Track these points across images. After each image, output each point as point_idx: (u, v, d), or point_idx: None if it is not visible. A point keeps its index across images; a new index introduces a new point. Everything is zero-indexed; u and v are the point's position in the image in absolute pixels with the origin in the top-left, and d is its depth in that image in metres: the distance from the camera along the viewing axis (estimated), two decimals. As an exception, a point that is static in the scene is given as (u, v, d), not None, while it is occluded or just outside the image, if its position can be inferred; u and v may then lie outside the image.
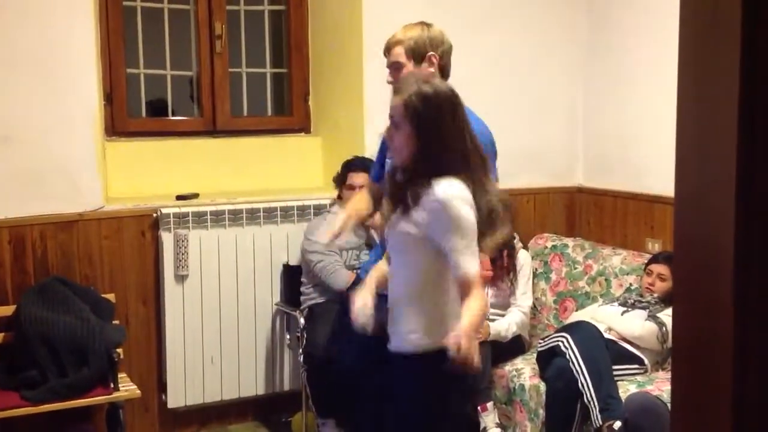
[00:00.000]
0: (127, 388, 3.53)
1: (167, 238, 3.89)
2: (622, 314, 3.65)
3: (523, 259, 4.13)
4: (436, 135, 2.36)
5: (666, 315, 3.56)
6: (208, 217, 3.97)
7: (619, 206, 4.46)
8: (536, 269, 4.38)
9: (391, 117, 2.41)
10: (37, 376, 3.37)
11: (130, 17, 4.17)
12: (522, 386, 3.66)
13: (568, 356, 3.38)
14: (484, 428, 3.67)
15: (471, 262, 2.30)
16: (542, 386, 3.54)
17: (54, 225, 3.71)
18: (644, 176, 4.24)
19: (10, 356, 3.48)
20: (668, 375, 3.38)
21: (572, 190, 4.76)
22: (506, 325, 3.87)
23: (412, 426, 2.49)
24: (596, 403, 3.26)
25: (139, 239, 3.92)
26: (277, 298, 4.15)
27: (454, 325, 2.31)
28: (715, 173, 0.98)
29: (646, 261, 3.87)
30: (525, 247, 4.30)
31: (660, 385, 3.33)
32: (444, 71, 2.88)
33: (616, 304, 3.76)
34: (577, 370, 3.34)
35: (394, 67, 2.87)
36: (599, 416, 3.24)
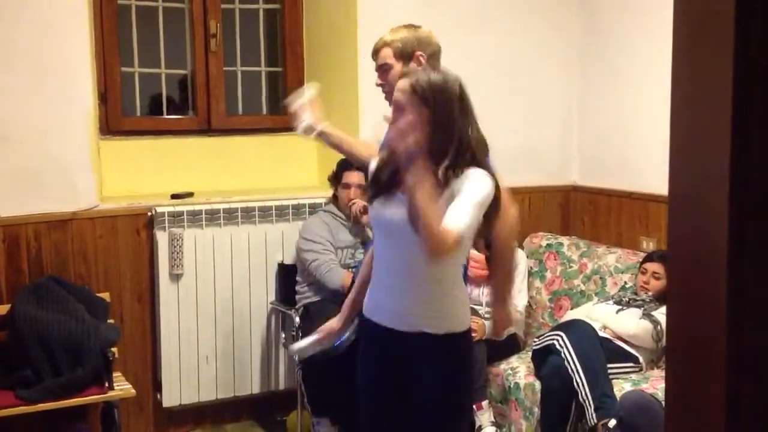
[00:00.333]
0: (121, 387, 3.53)
1: (162, 237, 3.89)
2: (617, 312, 3.65)
3: (518, 257, 4.13)
4: (444, 119, 2.32)
5: (661, 313, 3.57)
6: (203, 215, 3.97)
7: (614, 205, 4.47)
8: (531, 268, 4.38)
9: (397, 100, 2.37)
10: (32, 376, 3.37)
11: (125, 16, 4.17)
12: (517, 385, 3.67)
13: (563, 355, 3.39)
14: (479, 427, 3.67)
15: (459, 218, 2.22)
16: (537, 385, 3.54)
17: (48, 224, 3.71)
18: (639, 175, 4.25)
19: (4, 356, 3.47)
20: (663, 373, 3.38)
21: (567, 189, 4.77)
22: (501, 323, 3.87)
23: (440, 413, 2.49)
24: (591, 402, 3.27)
25: (133, 238, 3.92)
26: (272, 296, 4.15)
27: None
28: (709, 172, 0.98)
29: (640, 259, 3.88)
30: (520, 245, 4.30)
31: (655, 384, 3.34)
32: None
33: (611, 302, 3.76)
34: (572, 369, 3.34)
35: (383, 69, 2.88)
36: (594, 415, 3.24)
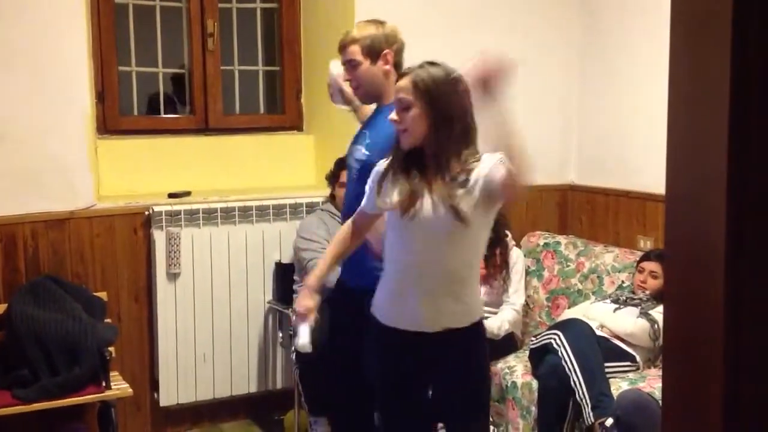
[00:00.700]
0: (119, 386, 3.53)
1: (159, 236, 3.89)
2: (614, 311, 3.65)
3: (516, 256, 4.13)
4: (447, 112, 2.36)
5: (658, 312, 3.57)
6: (200, 215, 3.96)
7: (611, 204, 4.47)
8: (529, 267, 4.39)
9: (400, 98, 2.39)
10: (29, 375, 3.36)
11: (122, 15, 4.16)
12: (514, 384, 3.67)
13: (560, 354, 3.39)
14: (477, 426, 3.68)
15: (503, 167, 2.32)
16: (534, 384, 3.54)
17: (45, 223, 3.70)
18: (636, 174, 4.25)
19: (1, 355, 3.47)
20: (660, 372, 3.38)
21: (564, 188, 4.77)
22: (498, 322, 3.88)
23: (480, 397, 2.63)
24: (588, 401, 3.27)
25: (131, 237, 3.91)
26: (269, 296, 4.15)
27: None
28: (706, 171, 0.98)
29: (638, 258, 3.88)
30: (517, 244, 4.30)
31: (652, 382, 3.34)
32: (397, 68, 2.94)
33: (608, 301, 3.77)
34: (569, 368, 3.34)
35: (350, 65, 2.93)
36: (591, 413, 3.24)
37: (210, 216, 3.99)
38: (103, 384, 3.44)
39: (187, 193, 4.07)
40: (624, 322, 3.58)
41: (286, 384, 4.18)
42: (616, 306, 3.68)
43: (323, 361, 3.21)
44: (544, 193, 4.73)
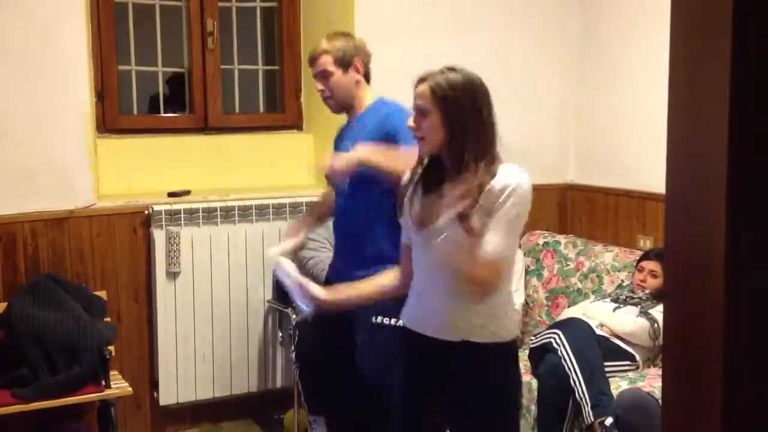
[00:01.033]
0: (118, 385, 3.53)
1: (159, 236, 3.89)
2: (614, 310, 3.66)
3: (515, 255, 4.13)
4: (466, 121, 2.29)
5: (657, 311, 3.57)
6: (200, 214, 3.96)
7: (611, 203, 4.47)
8: (528, 266, 4.39)
9: (418, 105, 2.32)
10: (29, 374, 3.36)
11: (122, 14, 4.16)
12: (514, 383, 3.67)
13: (560, 353, 3.39)
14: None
15: (496, 244, 2.20)
16: (534, 383, 3.54)
17: (45, 222, 3.70)
18: (636, 173, 4.25)
19: (1, 354, 3.46)
20: (660, 371, 3.39)
21: (564, 187, 4.77)
22: (498, 321, 3.88)
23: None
24: (588, 400, 3.27)
25: (130, 236, 3.91)
26: (269, 295, 4.15)
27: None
28: (706, 170, 0.98)
29: (637, 258, 3.88)
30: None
31: (651, 382, 3.34)
32: (367, 77, 3.05)
33: (608, 300, 3.77)
34: (568, 367, 3.34)
35: (322, 76, 3.02)
36: (591, 412, 3.25)
37: (210, 215, 3.99)
38: (103, 383, 3.44)
39: (187, 192, 4.06)
40: (624, 322, 3.58)
41: (285, 383, 4.18)
42: (616, 305, 3.68)
43: (322, 360, 3.22)
44: (543, 192, 4.72)
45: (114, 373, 3.57)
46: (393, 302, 2.74)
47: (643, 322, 3.56)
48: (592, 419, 3.24)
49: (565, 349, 3.38)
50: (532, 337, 3.72)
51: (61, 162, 3.72)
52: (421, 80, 2.33)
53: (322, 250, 3.85)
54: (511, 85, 4.55)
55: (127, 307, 3.93)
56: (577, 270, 4.23)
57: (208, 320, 4.02)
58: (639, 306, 3.63)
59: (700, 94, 0.99)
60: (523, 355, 3.76)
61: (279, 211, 4.13)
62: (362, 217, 2.97)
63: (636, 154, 4.25)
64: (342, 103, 3.07)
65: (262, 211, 4.09)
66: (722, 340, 0.96)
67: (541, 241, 4.48)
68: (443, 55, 4.49)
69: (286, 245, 3.06)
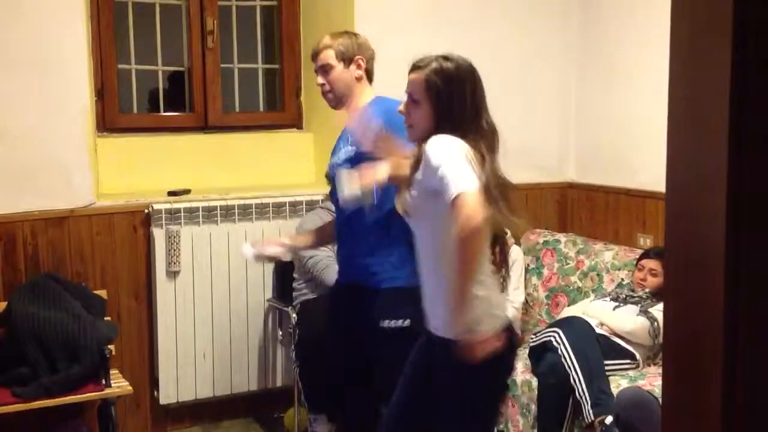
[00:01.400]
0: (118, 384, 3.53)
1: (159, 234, 3.89)
2: (613, 309, 3.66)
3: (516, 254, 4.13)
4: (454, 112, 2.31)
5: (657, 310, 3.57)
6: (200, 213, 3.96)
7: (611, 202, 4.47)
8: (528, 265, 4.39)
9: (410, 93, 2.36)
10: (29, 373, 3.36)
11: (122, 12, 4.16)
12: (514, 381, 3.67)
13: (560, 351, 3.39)
14: (477, 423, 3.68)
15: (456, 182, 2.11)
16: (534, 381, 3.54)
17: (45, 221, 3.70)
18: (636, 172, 4.25)
19: (1, 353, 3.46)
20: (660, 370, 3.39)
21: (564, 186, 4.77)
22: (498, 320, 3.88)
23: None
24: (588, 398, 3.27)
25: (130, 235, 3.91)
26: (269, 294, 4.15)
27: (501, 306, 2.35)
28: (706, 169, 0.98)
29: (637, 256, 3.88)
30: (517, 242, 4.31)
31: (651, 380, 3.34)
32: (369, 75, 3.06)
33: (608, 299, 3.77)
34: (568, 366, 3.35)
35: (324, 70, 3.03)
36: (591, 411, 3.25)
37: (210, 214, 3.99)
38: (103, 382, 3.44)
39: (187, 191, 4.06)
40: (623, 320, 3.58)
41: (286, 382, 4.18)
42: (616, 304, 3.68)
43: (322, 358, 3.22)
44: (543, 190, 4.74)
45: (114, 372, 3.57)
46: (398, 303, 2.78)
47: (643, 321, 3.56)
48: (592, 418, 3.24)
49: (565, 348, 3.38)
50: (532, 336, 3.72)
51: (61, 161, 3.72)
52: (416, 68, 2.37)
53: (322, 249, 3.85)
54: (511, 84, 4.56)
55: (127, 306, 3.93)
56: (577, 269, 4.23)
57: (208, 319, 4.02)
58: (639, 305, 3.63)
59: (701, 92, 0.99)
60: (523, 354, 3.76)
61: (279, 209, 4.13)
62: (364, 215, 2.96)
63: (636, 152, 4.25)
64: (340, 99, 3.06)
65: (262, 210, 4.09)
66: (722, 339, 0.96)
67: (541, 240, 4.48)
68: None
69: (264, 250, 3.03)
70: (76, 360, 3.39)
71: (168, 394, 3.98)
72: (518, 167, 4.55)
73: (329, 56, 3.02)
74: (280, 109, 4.60)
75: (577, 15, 4.64)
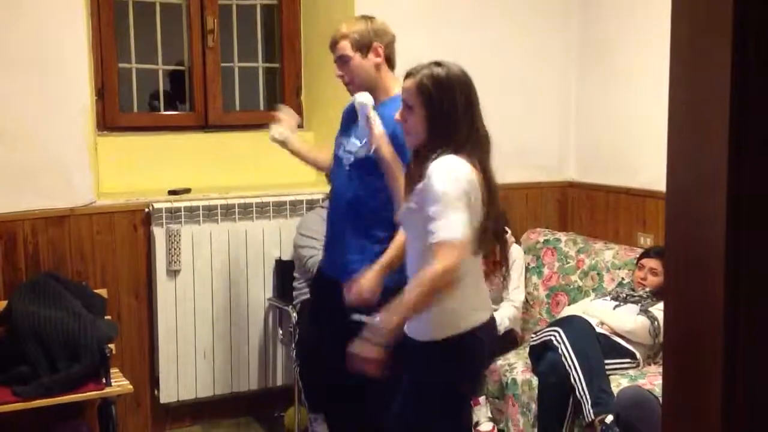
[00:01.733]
0: (119, 383, 3.53)
1: (159, 233, 3.89)
2: (614, 308, 3.66)
3: (516, 253, 4.13)
4: (447, 117, 2.36)
5: (658, 309, 3.57)
6: (200, 212, 3.96)
7: (611, 201, 4.47)
8: (528, 264, 4.39)
9: (404, 100, 2.42)
10: (29, 372, 3.36)
11: (122, 12, 4.16)
12: (514, 380, 3.67)
13: (560, 351, 3.39)
14: (477, 422, 3.68)
15: (435, 228, 2.22)
16: (534, 380, 3.54)
17: (45, 220, 3.70)
18: (636, 171, 4.25)
19: (1, 352, 3.46)
20: (660, 369, 3.39)
21: (564, 185, 4.77)
22: (498, 319, 3.87)
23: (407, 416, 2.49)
24: (588, 397, 3.27)
25: (131, 234, 3.91)
26: (269, 293, 4.15)
27: (466, 314, 2.37)
28: (706, 168, 0.98)
29: (638, 255, 3.88)
30: (517, 241, 4.31)
31: (652, 379, 3.34)
32: (390, 61, 2.99)
33: (608, 298, 3.77)
34: (569, 365, 3.35)
35: (342, 61, 2.98)
36: (591, 410, 3.25)
37: (210, 213, 3.99)
38: (104, 381, 3.44)
39: (187, 190, 4.06)
40: (624, 320, 3.58)
41: (286, 381, 4.18)
42: (616, 303, 3.68)
43: (321, 357, 3.23)
44: (543, 189, 4.74)
45: (114, 371, 3.57)
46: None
47: (644, 320, 3.56)
48: (593, 417, 3.24)
49: (566, 347, 3.38)
50: (533, 335, 3.73)
51: (62, 160, 3.72)
52: (409, 75, 2.42)
53: (322, 248, 3.85)
54: (512, 84, 4.56)
55: (127, 305, 3.93)
56: (577, 268, 4.23)
57: (209, 318, 4.02)
58: (639, 304, 3.63)
59: (701, 92, 0.99)
60: (524, 353, 3.77)
61: (279, 208, 4.13)
62: (361, 200, 2.97)
63: (636, 152, 4.25)
64: (363, 88, 2.98)
65: (262, 209, 4.09)
66: (722, 338, 0.96)
67: (541, 239, 4.48)
68: (444, 53, 4.47)
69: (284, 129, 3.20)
70: (76, 359, 3.39)
71: (168, 393, 3.98)
72: (519, 166, 4.60)
73: (345, 47, 2.96)
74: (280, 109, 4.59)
75: (578, 15, 4.63)
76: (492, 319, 2.57)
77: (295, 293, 3.97)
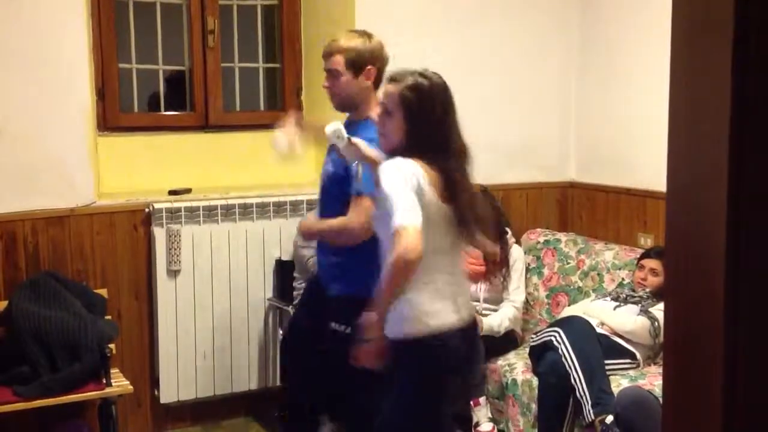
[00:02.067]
0: (119, 383, 3.53)
1: (159, 233, 3.89)
2: (614, 309, 3.66)
3: (516, 254, 4.13)
4: (425, 127, 2.42)
5: (658, 310, 3.57)
6: (201, 212, 3.96)
7: (612, 201, 4.47)
8: (529, 264, 4.39)
9: (384, 104, 2.47)
10: (29, 372, 3.36)
11: (122, 12, 4.16)
12: (514, 381, 3.67)
13: (560, 351, 3.39)
14: (477, 423, 3.68)
15: (396, 218, 2.26)
16: (535, 381, 3.54)
17: (46, 220, 3.70)
18: (636, 171, 4.25)
19: (1, 352, 3.46)
20: (660, 369, 3.39)
21: (565, 185, 4.77)
22: (499, 320, 3.88)
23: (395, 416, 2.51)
24: (588, 398, 3.27)
25: (131, 234, 3.91)
26: (269, 293, 4.15)
27: (435, 314, 2.41)
28: (707, 169, 0.98)
29: (638, 256, 3.88)
30: (518, 242, 4.31)
31: (652, 380, 3.34)
32: (377, 83, 2.99)
33: (608, 298, 3.77)
34: (569, 365, 3.35)
35: (332, 75, 3.00)
36: (591, 410, 3.25)
37: (210, 213, 3.99)
38: (104, 381, 3.44)
39: (188, 191, 4.06)
40: (624, 320, 3.58)
41: (286, 381, 4.17)
42: (617, 303, 3.68)
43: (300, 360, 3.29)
44: (544, 190, 4.74)
45: (115, 371, 3.57)
46: (352, 308, 2.85)
47: (644, 321, 3.56)
48: (593, 417, 3.24)
49: (566, 347, 3.38)
50: (533, 335, 3.73)
51: (62, 160, 3.72)
52: (393, 80, 2.47)
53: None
54: (512, 84, 4.56)
55: (127, 305, 3.93)
56: (577, 268, 4.23)
57: (209, 318, 4.02)
58: (639, 304, 3.63)
59: (701, 92, 0.99)
60: (524, 353, 3.77)
61: (280, 209, 4.13)
62: (337, 211, 3.02)
63: (637, 152, 4.25)
64: (344, 105, 3.07)
65: (263, 209, 4.09)
66: (723, 339, 0.96)
67: (541, 239, 4.48)
68: (444, 53, 4.49)
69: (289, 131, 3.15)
70: (76, 359, 3.39)
71: (168, 392, 3.98)
72: (519, 166, 4.61)
73: (339, 62, 2.97)
74: (280, 109, 4.59)
75: (578, 15, 4.63)
76: (471, 323, 2.57)
77: (295, 293, 3.97)
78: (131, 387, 3.56)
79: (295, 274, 3.99)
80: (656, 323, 3.54)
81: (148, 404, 4.04)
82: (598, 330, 3.56)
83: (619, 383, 3.38)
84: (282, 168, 4.48)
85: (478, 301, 4.00)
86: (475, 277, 3.99)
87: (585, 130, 4.67)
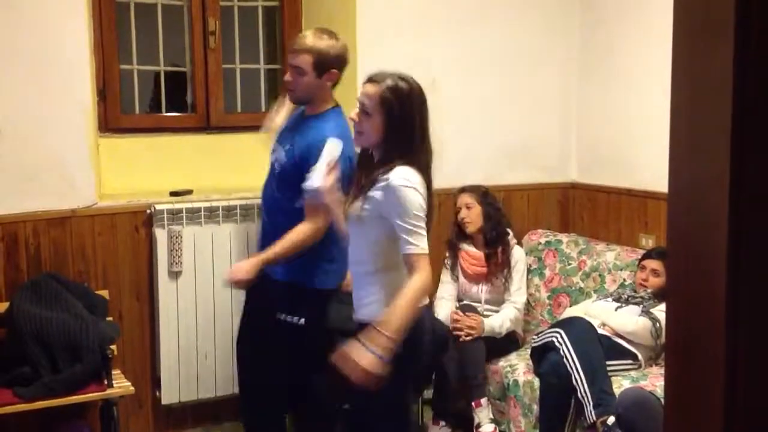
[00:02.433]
0: (120, 384, 3.53)
1: (161, 235, 3.89)
2: (615, 310, 3.65)
3: (517, 255, 4.13)
4: (403, 130, 2.50)
5: (660, 310, 3.57)
6: (202, 213, 3.96)
7: (613, 202, 4.47)
8: (530, 265, 4.39)
9: (363, 103, 2.53)
10: (30, 373, 3.36)
11: (124, 13, 4.16)
12: (516, 382, 3.67)
13: (562, 352, 3.39)
14: (478, 424, 3.68)
15: (415, 241, 2.41)
16: (536, 382, 3.54)
17: (47, 221, 3.70)
18: (638, 172, 4.25)
19: (2, 353, 3.46)
20: (662, 370, 3.38)
21: (566, 186, 4.77)
22: (500, 321, 3.88)
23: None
24: (590, 399, 3.27)
25: (132, 235, 3.91)
26: (271, 294, 4.15)
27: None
28: (708, 169, 0.98)
29: (639, 257, 3.88)
30: (519, 243, 4.30)
31: (654, 381, 3.34)
32: (336, 84, 3.16)
33: (609, 299, 3.77)
34: (570, 366, 3.34)
35: (296, 71, 3.10)
36: (593, 411, 3.25)
37: (212, 214, 3.99)
38: (105, 382, 3.44)
39: (189, 192, 4.07)
40: (625, 321, 3.58)
41: (287, 382, 4.17)
42: (618, 304, 3.68)
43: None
44: (545, 191, 4.73)
45: (116, 373, 3.57)
46: (300, 300, 3.04)
47: (645, 322, 3.56)
48: (594, 418, 3.24)
49: (567, 348, 3.38)
50: (534, 336, 3.72)
51: (63, 161, 3.72)
52: (373, 81, 2.54)
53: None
54: (513, 85, 4.56)
55: (129, 307, 3.93)
56: (579, 269, 4.23)
57: (210, 319, 4.02)
58: (641, 305, 3.63)
59: (703, 93, 0.98)
60: (525, 354, 3.77)
61: (281, 210, 4.13)
62: (287, 215, 3.10)
63: (638, 152, 4.25)
64: (300, 100, 3.20)
65: (263, 210, 4.09)
66: (724, 339, 0.96)
67: (543, 240, 4.48)
68: (444, 54, 4.49)
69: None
70: (78, 360, 3.39)
71: (170, 394, 3.98)
72: (520, 167, 4.61)
73: (306, 61, 3.07)
74: (281, 110, 4.60)
75: (579, 16, 4.63)
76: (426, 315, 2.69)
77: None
78: (132, 388, 3.56)
79: (297, 275, 3.99)
80: (658, 324, 3.54)
81: (150, 405, 4.04)
82: (600, 331, 3.56)
83: (620, 384, 3.37)
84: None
85: (480, 301, 4.00)
86: (476, 279, 4.00)
87: (586, 131, 4.67)
